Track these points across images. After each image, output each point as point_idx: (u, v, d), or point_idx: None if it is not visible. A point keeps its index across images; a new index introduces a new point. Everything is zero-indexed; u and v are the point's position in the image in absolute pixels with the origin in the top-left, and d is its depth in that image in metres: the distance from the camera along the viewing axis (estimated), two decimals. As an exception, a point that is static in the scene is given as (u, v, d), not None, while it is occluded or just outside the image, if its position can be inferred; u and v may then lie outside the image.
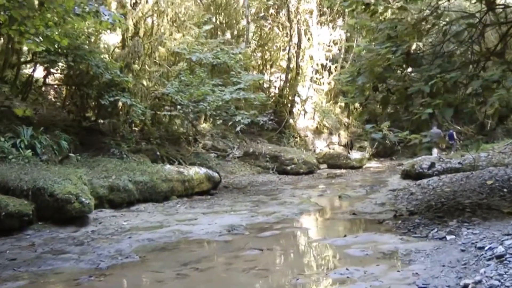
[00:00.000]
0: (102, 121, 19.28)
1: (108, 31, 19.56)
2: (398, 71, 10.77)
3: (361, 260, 7.02)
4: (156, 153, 17.98)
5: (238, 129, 19.59)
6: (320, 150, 30.32)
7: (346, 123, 33.90)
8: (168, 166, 15.81)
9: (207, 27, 20.12)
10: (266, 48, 31.16)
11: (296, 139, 29.62)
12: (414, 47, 10.42)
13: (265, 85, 30.26)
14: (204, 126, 24.33)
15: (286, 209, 12.27)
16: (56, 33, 10.16)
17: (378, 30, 10.59)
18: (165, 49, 19.57)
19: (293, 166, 24.08)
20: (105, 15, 9.61)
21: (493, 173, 13.42)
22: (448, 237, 7.81)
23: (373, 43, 10.88)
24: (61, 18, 9.63)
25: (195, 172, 16.01)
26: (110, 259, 7.66)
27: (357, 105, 29.76)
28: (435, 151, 22.85)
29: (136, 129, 20.54)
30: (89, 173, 13.77)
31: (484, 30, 10.17)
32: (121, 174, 13.92)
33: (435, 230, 8.34)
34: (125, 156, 16.36)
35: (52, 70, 17.61)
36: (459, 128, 26.54)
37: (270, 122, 21.29)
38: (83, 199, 10.68)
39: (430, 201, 11.63)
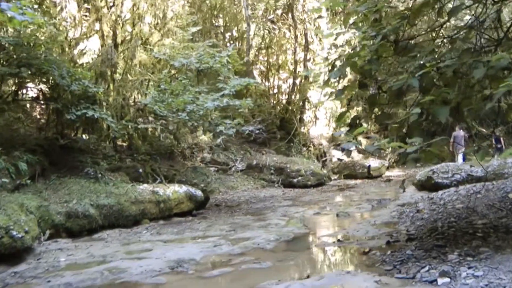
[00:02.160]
0: (85, 137, 17.57)
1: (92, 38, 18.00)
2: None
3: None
4: (138, 171, 16.05)
5: (219, 140, 17.63)
6: (337, 159, 28.05)
7: (365, 129, 31.54)
8: (142, 186, 13.87)
9: (193, 29, 18.10)
10: (271, 51, 29.07)
11: (309, 149, 27.40)
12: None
13: (273, 91, 28.35)
14: (202, 138, 22.33)
15: (264, 235, 10.31)
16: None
17: (357, 13, 8.51)
18: (147, 55, 17.64)
19: (300, 178, 21.84)
20: (5, 9, 7.56)
21: (518, 183, 11.28)
22: (440, 281, 5.67)
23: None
24: None
25: (173, 191, 14.05)
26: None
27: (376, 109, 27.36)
28: (460, 157, 21.19)
29: (124, 144, 18.72)
30: (50, 197, 12.14)
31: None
32: (83, 198, 12.13)
33: (427, 268, 6.20)
34: (100, 175, 14.46)
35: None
36: (484, 130, 24.20)
37: (258, 132, 19.20)
38: (14, 233, 8.86)
39: (437, 221, 9.50)
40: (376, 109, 8.77)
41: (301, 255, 8.50)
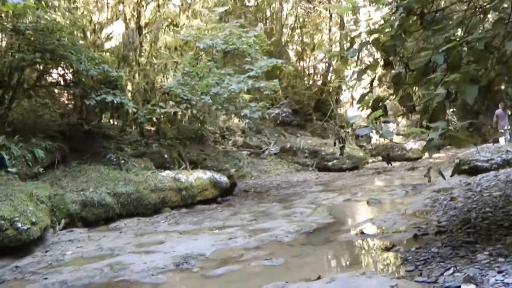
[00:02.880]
0: (112, 122, 17.18)
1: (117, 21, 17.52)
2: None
3: None
4: (163, 156, 15.52)
5: (242, 125, 16.93)
6: (376, 140, 27.06)
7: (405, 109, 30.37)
8: (164, 173, 13.34)
9: (220, 10, 17.34)
10: (306, 30, 28.09)
11: (346, 130, 26.47)
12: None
13: (308, 72, 27.45)
14: (234, 121, 21.67)
15: (285, 225, 9.67)
16: None
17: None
18: (172, 37, 17.03)
19: (335, 161, 21.01)
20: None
21: None
22: (464, 288, 4.92)
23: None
24: None
25: (196, 178, 13.47)
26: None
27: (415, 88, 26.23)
28: (503, 138, 19.71)
29: (152, 129, 18.25)
30: (68, 185, 11.79)
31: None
32: (101, 186, 11.67)
33: (451, 271, 5.44)
34: (122, 162, 14.02)
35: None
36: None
37: (284, 114, 18.41)
38: (19, 225, 8.42)
39: (471, 211, 8.68)
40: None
41: (318, 250, 7.79)
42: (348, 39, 7.67)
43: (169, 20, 17.63)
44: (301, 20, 27.86)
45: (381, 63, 7.66)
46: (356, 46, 7.61)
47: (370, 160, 24.01)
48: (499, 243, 6.27)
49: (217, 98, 14.04)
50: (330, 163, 20.93)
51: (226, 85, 14.00)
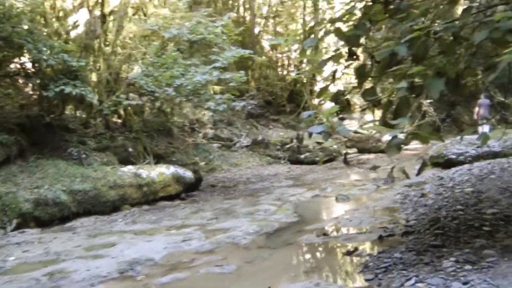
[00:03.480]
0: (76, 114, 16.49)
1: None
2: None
3: None
4: (128, 150, 14.88)
5: (206, 118, 16.36)
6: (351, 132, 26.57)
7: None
8: (125, 168, 12.71)
9: (188, -2, 16.70)
10: (278, 20, 27.47)
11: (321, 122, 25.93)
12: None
13: (282, 62, 26.86)
14: (205, 113, 21.05)
15: (245, 225, 9.16)
16: None
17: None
18: (138, 26, 16.37)
19: (307, 154, 20.40)
20: None
21: (538, 161, 9.93)
22: (423, 302, 4.41)
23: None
24: None
25: (159, 173, 12.86)
26: None
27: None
28: (484, 127, 19.46)
29: (119, 121, 17.57)
30: (23, 182, 11.15)
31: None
32: (56, 183, 11.04)
33: (413, 280, 4.94)
34: (84, 156, 13.37)
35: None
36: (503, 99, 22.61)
37: (250, 107, 17.83)
38: None
39: (441, 208, 8.22)
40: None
41: (276, 254, 7.24)
42: (307, 28, 7.11)
43: (136, 8, 16.95)
44: (274, 9, 27.25)
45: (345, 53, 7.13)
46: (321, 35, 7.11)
47: (344, 152, 23.48)
48: (468, 246, 5.80)
49: (181, 90, 13.43)
50: (302, 156, 20.34)
51: (191, 76, 13.39)
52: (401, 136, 5.16)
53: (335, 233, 8.14)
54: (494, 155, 12.96)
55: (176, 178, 13.12)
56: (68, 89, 12.56)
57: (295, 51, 27.69)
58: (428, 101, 27.52)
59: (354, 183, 13.92)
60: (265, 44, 27.18)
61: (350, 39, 6.50)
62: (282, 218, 9.69)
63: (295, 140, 18.74)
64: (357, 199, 11.29)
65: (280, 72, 27.06)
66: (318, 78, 26.94)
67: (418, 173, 11.78)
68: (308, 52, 7.42)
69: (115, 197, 11.70)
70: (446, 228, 6.81)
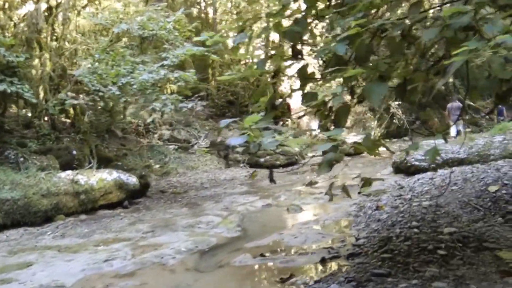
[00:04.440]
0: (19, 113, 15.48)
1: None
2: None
3: None
4: (71, 153, 13.88)
5: (150, 119, 15.41)
6: (318, 134, 25.76)
7: (348, 101, 29.04)
8: (63, 173, 11.72)
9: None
10: (241, 15, 26.51)
11: (286, 123, 25.05)
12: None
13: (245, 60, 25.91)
14: (161, 113, 20.08)
15: (181, 240, 8.31)
16: None
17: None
18: (87, 20, 15.38)
19: (267, 157, 19.43)
20: None
21: (502, 170, 9.22)
22: None
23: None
24: None
25: (100, 179, 11.86)
26: None
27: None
28: (453, 129, 19.90)
29: (68, 121, 16.60)
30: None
31: None
32: (-18, 190, 10.03)
33: (343, 325, 4.08)
34: (22, 159, 12.39)
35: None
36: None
37: (201, 108, 16.91)
38: None
39: (395, 225, 7.39)
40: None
41: (201, 280, 6.34)
42: (240, 23, 6.25)
43: (87, 1, 15.98)
44: (237, 6, 26.31)
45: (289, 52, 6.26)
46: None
47: (310, 155, 22.64)
48: (417, 276, 4.98)
49: (127, 89, 12.47)
50: (262, 159, 19.39)
51: (137, 74, 12.45)
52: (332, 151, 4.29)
53: (274, 253, 7.26)
54: (460, 162, 12.28)
55: (119, 184, 12.13)
56: (2, 87, 11.57)
57: (260, 48, 26.83)
58: (397, 103, 26.93)
59: (312, 190, 13.04)
60: (230, 41, 26.22)
61: (289, 36, 5.65)
62: (223, 232, 8.82)
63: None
64: (310, 209, 10.48)
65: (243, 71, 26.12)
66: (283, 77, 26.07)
67: (359, 192, 10.95)
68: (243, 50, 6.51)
69: (48, 206, 10.71)
70: (396, 251, 5.97)
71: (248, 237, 8.59)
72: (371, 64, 4.78)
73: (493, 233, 6.22)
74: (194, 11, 20.63)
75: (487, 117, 27.15)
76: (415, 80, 5.14)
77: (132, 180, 12.45)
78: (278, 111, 6.02)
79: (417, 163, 12.96)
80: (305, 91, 5.79)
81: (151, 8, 15.12)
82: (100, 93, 12.64)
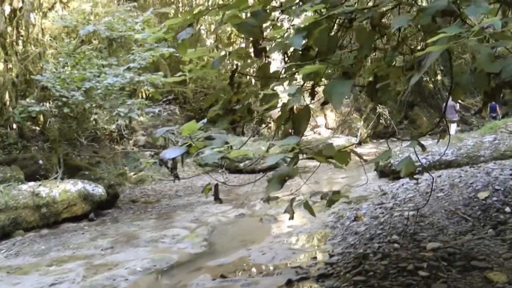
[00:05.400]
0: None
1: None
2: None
3: None
4: (38, 162, 13.07)
5: (113, 126, 14.63)
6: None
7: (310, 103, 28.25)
8: (24, 186, 10.92)
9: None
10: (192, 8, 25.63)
11: (268, 126, 24.21)
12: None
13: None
14: (139, 118, 19.26)
15: (140, 257, 7.60)
16: None
17: None
18: (52, 23, 14.61)
19: (247, 162, 18.57)
20: None
21: (493, 174, 8.54)
22: None
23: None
24: None
25: (63, 190, 11.06)
26: None
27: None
28: (453, 127, 19.92)
29: (37, 128, 15.79)
30: None
31: None
32: None
33: None
34: (-18, 170, 11.61)
35: None
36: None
37: (166, 114, 16.12)
38: None
39: (374, 238, 6.70)
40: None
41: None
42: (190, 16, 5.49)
43: (52, 2, 15.20)
44: (215, 4, 25.46)
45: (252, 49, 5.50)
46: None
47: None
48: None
49: (92, 94, 11.69)
50: (241, 164, 18.54)
51: (102, 78, 11.67)
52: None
53: (236, 274, 6.51)
54: (447, 164, 11.60)
55: (83, 195, 11.31)
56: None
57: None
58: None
59: (290, 197, 12.32)
60: (209, 42, 25.42)
61: (243, 29, 4.90)
62: (187, 248, 8.09)
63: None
64: (284, 219, 9.73)
65: (222, 72, 25.25)
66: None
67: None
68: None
69: (5, 221, 9.89)
70: (371, 272, 5.26)
71: (213, 253, 7.86)
72: (335, 59, 4.09)
73: (483, 248, 5.53)
74: (172, 11, 19.73)
75: (477, 115, 26.74)
76: (389, 77, 4.45)
77: (98, 190, 11.65)
78: (236, 116, 5.31)
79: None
80: (265, 92, 5.06)
81: (121, 9, 14.33)
82: (64, 99, 11.83)
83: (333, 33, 4.55)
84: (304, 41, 3.98)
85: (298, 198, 10.73)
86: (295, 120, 4.29)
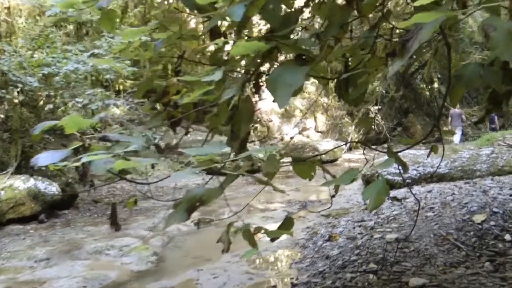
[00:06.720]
0: None
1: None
2: None
3: None
4: (-6, 156, 11.91)
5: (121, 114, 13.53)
6: (290, 138, 23.99)
7: (324, 104, 27.22)
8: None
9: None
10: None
11: (254, 125, 23.13)
12: None
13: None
14: (114, 110, 18.06)
15: (72, 274, 6.48)
16: None
17: None
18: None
19: (227, 163, 17.44)
20: None
21: (491, 193, 7.49)
22: None
23: None
24: None
25: (9, 188, 9.89)
26: None
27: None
28: (457, 136, 19.57)
29: (1, 116, 14.56)
30: None
31: None
32: None
33: None
34: None
35: None
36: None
37: (129, 106, 14.96)
38: None
39: (346, 267, 5.58)
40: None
41: None
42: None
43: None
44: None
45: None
46: None
47: (281, 160, 20.79)
48: None
49: (51, 81, 10.53)
50: (219, 165, 17.40)
51: (63, 64, 10.52)
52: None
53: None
54: (440, 177, 10.50)
55: (33, 194, 10.10)
56: None
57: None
58: (376, 107, 25.23)
59: (265, 205, 11.22)
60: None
61: (187, 3, 3.76)
62: (131, 263, 6.96)
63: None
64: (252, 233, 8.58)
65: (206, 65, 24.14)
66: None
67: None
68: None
69: None
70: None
71: (158, 272, 6.72)
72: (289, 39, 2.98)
73: (478, 287, 4.42)
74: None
75: (478, 125, 26.06)
76: (365, 67, 3.33)
77: (52, 189, 10.46)
78: (176, 111, 4.23)
79: (389, 177, 11.05)
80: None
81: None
82: (19, 85, 10.67)
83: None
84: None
85: (273, 207, 9.67)
86: (233, 119, 3.16)
